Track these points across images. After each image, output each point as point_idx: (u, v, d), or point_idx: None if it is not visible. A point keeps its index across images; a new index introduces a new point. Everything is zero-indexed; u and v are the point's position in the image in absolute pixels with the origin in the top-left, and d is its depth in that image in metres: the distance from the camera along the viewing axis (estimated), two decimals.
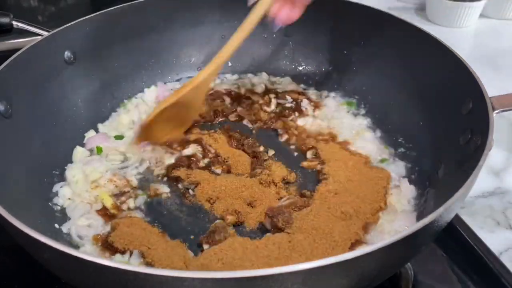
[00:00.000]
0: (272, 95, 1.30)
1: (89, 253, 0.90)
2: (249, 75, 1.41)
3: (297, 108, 1.26)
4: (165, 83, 1.36)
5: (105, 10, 1.21)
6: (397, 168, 1.06)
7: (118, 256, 0.88)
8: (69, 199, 1.01)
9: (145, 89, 1.32)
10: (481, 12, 1.77)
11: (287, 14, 1.00)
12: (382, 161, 1.09)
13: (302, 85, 1.36)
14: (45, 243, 0.60)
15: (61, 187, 1.03)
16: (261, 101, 1.29)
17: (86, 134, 1.18)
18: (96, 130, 1.20)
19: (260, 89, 1.34)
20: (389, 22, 1.18)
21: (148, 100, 1.30)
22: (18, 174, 0.94)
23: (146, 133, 1.10)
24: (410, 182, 1.02)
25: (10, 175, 0.90)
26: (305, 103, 1.27)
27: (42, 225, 0.92)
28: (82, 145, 1.15)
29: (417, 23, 1.12)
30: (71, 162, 1.10)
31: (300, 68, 1.40)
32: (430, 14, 1.84)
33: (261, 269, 0.54)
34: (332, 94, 1.31)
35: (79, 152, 1.12)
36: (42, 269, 0.73)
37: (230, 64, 1.42)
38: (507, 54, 1.63)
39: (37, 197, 0.98)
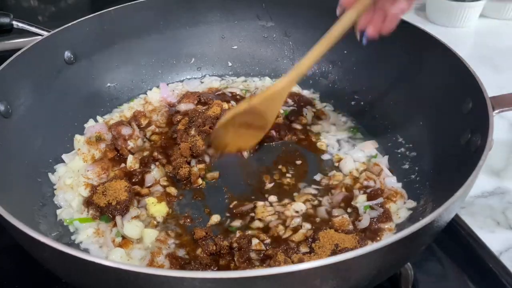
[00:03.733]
0: None
1: (87, 251, 0.90)
2: (254, 78, 1.41)
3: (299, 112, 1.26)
4: (167, 84, 1.36)
5: (105, 10, 1.21)
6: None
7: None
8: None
9: (148, 91, 1.33)
10: (481, 12, 1.77)
11: (378, 27, 0.92)
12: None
13: (302, 86, 1.36)
14: (45, 243, 0.60)
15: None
16: None
17: (85, 125, 1.19)
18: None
19: None
20: None
21: (153, 101, 1.30)
22: (18, 174, 0.94)
23: (218, 140, 1.06)
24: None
25: (10, 175, 0.90)
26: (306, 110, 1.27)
27: (42, 225, 0.92)
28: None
29: (417, 23, 1.12)
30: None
31: None
32: (430, 14, 1.84)
33: (261, 269, 0.54)
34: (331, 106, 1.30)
35: (78, 141, 1.13)
36: (42, 269, 0.73)
37: (230, 64, 1.42)
38: (507, 54, 1.63)
39: (37, 197, 0.98)
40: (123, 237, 0.94)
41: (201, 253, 0.89)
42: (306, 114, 1.25)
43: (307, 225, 0.95)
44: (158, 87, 1.33)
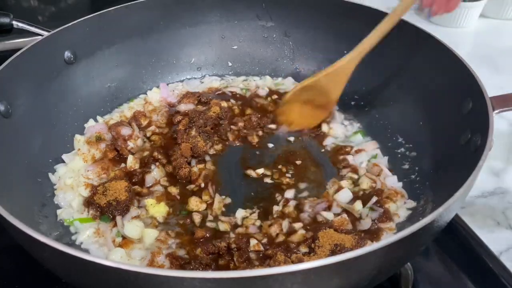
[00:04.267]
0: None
1: (88, 252, 0.90)
2: (255, 77, 1.41)
3: None
4: (167, 84, 1.36)
5: (105, 10, 1.21)
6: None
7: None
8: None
9: (148, 91, 1.32)
10: (481, 12, 1.77)
11: (443, 5, 0.97)
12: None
13: None
14: (45, 243, 0.60)
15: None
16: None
17: (86, 125, 1.19)
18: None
19: (263, 92, 1.34)
20: None
21: (153, 101, 1.30)
22: (18, 174, 0.94)
23: (283, 115, 1.12)
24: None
25: (10, 175, 0.90)
26: None
27: (42, 225, 0.92)
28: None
29: (417, 23, 1.12)
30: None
31: (300, 68, 1.39)
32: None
33: (261, 269, 0.54)
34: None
35: (78, 141, 1.14)
36: (42, 269, 0.73)
37: (230, 64, 1.42)
38: (507, 54, 1.63)
39: (37, 197, 0.98)
40: (124, 237, 0.93)
41: (201, 253, 0.89)
42: None
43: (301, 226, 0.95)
44: (158, 87, 1.33)
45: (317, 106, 1.10)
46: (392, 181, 1.04)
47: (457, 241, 0.96)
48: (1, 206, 0.67)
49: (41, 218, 0.94)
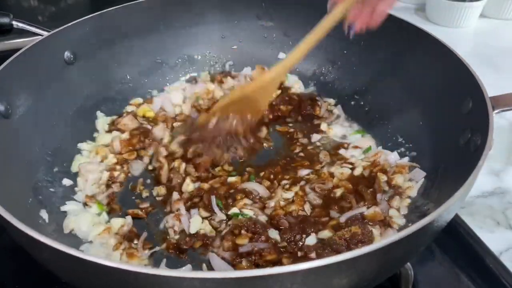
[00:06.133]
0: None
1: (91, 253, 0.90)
2: None
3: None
4: (167, 84, 1.36)
5: (105, 10, 1.21)
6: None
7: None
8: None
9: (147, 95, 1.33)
10: (481, 12, 1.77)
11: (366, 21, 0.96)
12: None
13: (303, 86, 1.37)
14: (45, 243, 0.60)
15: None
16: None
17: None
18: None
19: None
20: (389, 22, 1.17)
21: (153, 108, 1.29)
22: (18, 174, 0.94)
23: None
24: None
25: (10, 175, 0.90)
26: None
27: (42, 225, 0.92)
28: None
29: (417, 23, 1.12)
30: (71, 161, 1.11)
31: (300, 68, 1.39)
32: (430, 14, 1.84)
33: (261, 269, 0.54)
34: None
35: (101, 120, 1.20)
36: (42, 269, 0.73)
37: (230, 64, 1.42)
38: (507, 54, 1.63)
39: (37, 197, 0.98)
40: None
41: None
42: (321, 105, 1.28)
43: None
44: (158, 91, 1.34)
45: (246, 114, 1.09)
46: (393, 158, 1.07)
47: (457, 241, 0.96)
48: (1, 206, 0.67)
49: (41, 218, 0.94)
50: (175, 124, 1.22)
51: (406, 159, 1.07)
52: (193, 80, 1.37)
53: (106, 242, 0.93)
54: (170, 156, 1.10)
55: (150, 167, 1.12)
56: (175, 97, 1.30)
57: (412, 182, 1.01)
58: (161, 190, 1.05)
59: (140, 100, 1.31)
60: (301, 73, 1.39)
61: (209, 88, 1.33)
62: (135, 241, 0.94)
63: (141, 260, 0.90)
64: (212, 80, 1.36)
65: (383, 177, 1.02)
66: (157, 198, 1.04)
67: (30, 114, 1.02)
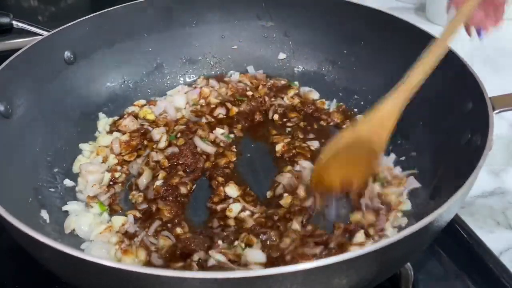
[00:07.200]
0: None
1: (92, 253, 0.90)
2: None
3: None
4: (167, 84, 1.36)
5: (105, 10, 1.21)
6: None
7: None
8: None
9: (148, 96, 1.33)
10: None
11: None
12: None
13: (302, 85, 1.36)
14: (46, 243, 0.60)
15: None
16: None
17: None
18: None
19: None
20: (389, 22, 1.18)
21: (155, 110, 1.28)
22: (19, 174, 0.94)
23: (320, 178, 0.92)
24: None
25: (10, 175, 0.90)
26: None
27: (43, 225, 0.92)
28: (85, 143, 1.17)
29: (417, 23, 1.12)
30: (72, 161, 1.11)
31: (300, 68, 1.40)
32: (430, 14, 1.84)
33: (261, 269, 0.54)
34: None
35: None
36: (42, 269, 0.73)
37: (230, 64, 1.42)
38: (507, 54, 1.63)
39: (37, 197, 0.98)
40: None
41: None
42: (329, 106, 1.29)
43: None
44: (159, 91, 1.33)
45: (358, 161, 0.89)
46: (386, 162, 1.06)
47: (457, 241, 0.96)
48: (1, 206, 0.67)
49: (41, 218, 0.94)
50: (176, 128, 1.20)
51: (398, 169, 1.05)
52: (193, 84, 1.37)
53: (107, 240, 0.93)
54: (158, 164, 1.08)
55: None
56: (178, 101, 1.29)
57: (405, 197, 0.98)
58: (137, 197, 1.03)
59: (143, 101, 1.30)
60: (301, 73, 1.39)
61: (205, 92, 1.31)
62: (135, 239, 0.93)
63: (136, 257, 0.89)
64: (207, 84, 1.35)
65: (376, 188, 0.98)
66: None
67: (30, 114, 1.02)
